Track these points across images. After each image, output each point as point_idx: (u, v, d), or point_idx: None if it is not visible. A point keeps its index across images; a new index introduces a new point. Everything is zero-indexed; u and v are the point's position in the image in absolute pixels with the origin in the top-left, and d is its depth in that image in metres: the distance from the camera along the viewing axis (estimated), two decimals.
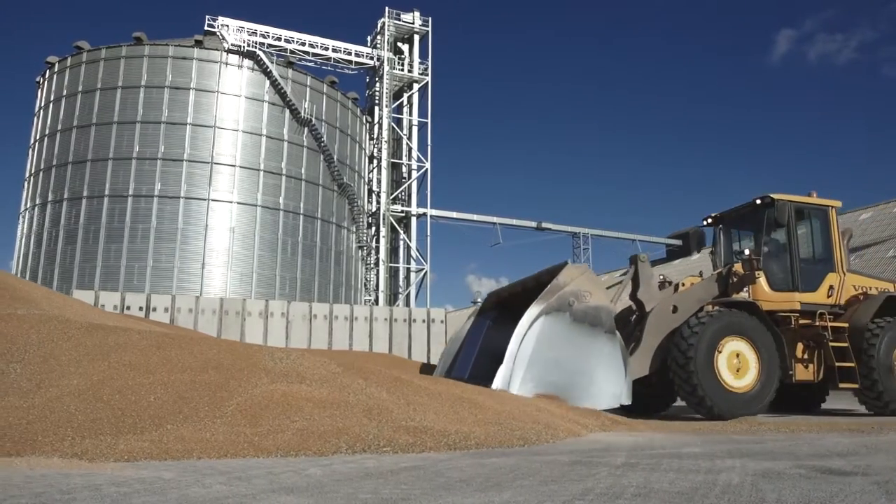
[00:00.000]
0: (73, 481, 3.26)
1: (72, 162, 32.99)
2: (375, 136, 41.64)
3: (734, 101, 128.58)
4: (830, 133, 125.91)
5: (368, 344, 24.44)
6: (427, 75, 41.98)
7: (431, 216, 40.68)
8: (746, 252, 9.70)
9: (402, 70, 41.76)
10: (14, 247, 35.22)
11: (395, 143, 42.28)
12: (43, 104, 35.57)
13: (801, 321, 9.59)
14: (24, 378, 5.37)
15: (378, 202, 40.42)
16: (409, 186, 41.62)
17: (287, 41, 37.67)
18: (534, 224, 44.49)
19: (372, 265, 39.64)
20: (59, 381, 5.33)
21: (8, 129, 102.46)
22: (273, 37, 37.19)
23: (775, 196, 9.82)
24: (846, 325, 9.62)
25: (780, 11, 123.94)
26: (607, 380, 8.38)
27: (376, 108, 41.49)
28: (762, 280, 9.70)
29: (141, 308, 22.66)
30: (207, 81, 33.80)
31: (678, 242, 49.82)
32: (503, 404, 7.05)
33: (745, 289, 9.66)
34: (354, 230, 38.85)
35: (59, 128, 33.90)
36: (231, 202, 32.97)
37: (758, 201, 10.03)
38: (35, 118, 36.23)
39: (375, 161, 41.42)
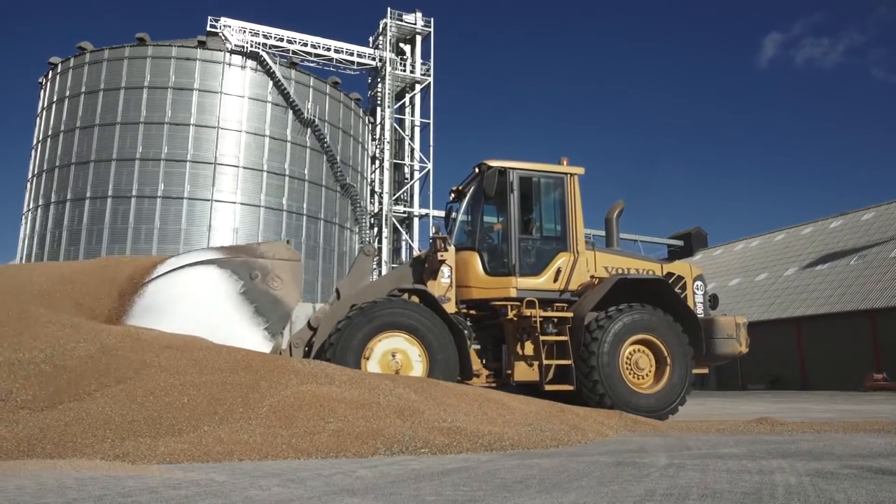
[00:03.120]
0: (126, 483, 3.23)
1: (75, 163, 32.93)
2: (378, 136, 41.63)
3: (734, 101, 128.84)
4: (830, 133, 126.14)
5: None
6: (429, 76, 42.00)
7: (433, 217, 40.66)
8: (433, 230, 8.51)
9: (405, 71, 41.76)
10: (17, 248, 35.13)
11: (398, 143, 42.28)
12: (46, 105, 35.50)
13: (522, 311, 8.01)
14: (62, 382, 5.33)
15: (380, 203, 40.41)
16: (412, 187, 41.63)
17: (289, 42, 37.65)
18: None
19: (374, 266, 39.62)
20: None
21: (10, 129, 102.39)
22: (275, 37, 37.17)
23: (491, 162, 8.33)
24: (569, 315, 8.11)
25: (767, 16, 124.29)
26: None
27: (378, 109, 41.49)
28: (476, 263, 8.25)
29: None
30: (211, 82, 33.77)
31: (680, 243, 49.88)
32: (529, 405, 7.03)
33: (447, 274, 8.10)
34: (357, 231, 38.83)
35: (62, 128, 33.84)
36: (234, 203, 32.94)
37: (476, 169, 8.57)
38: (38, 119, 36.15)
39: (378, 162, 41.41)
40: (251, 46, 34.89)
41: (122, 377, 5.33)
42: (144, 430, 4.57)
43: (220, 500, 2.84)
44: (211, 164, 32.77)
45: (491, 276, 8.27)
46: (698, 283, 9.24)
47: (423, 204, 41.15)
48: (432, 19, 42.70)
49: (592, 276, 8.48)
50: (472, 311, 8.36)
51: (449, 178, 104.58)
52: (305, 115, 35.49)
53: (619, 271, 8.63)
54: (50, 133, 34.33)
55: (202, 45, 34.36)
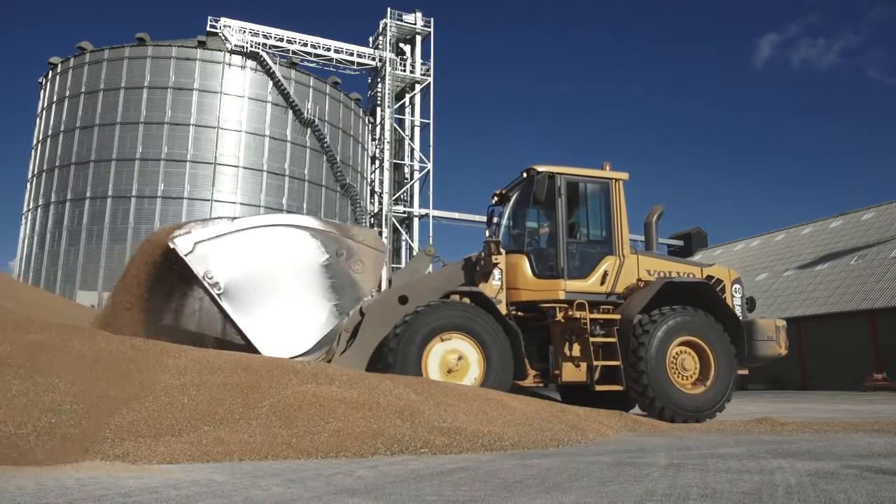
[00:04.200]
0: (127, 483, 3.23)
1: (75, 163, 32.94)
2: (377, 136, 41.64)
3: (733, 101, 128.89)
4: (830, 133, 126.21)
5: None
6: (429, 76, 42.00)
7: (434, 217, 40.68)
8: (487, 234, 8.56)
9: (404, 71, 41.77)
10: (17, 248, 35.14)
11: (398, 143, 42.29)
12: (46, 105, 35.51)
13: (569, 313, 8.14)
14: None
15: (380, 203, 40.41)
16: (412, 187, 41.62)
17: (289, 42, 37.65)
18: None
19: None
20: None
21: (10, 129, 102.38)
22: (275, 37, 37.18)
23: (540, 167, 8.46)
24: (617, 317, 8.27)
25: (763, 17, 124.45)
26: (288, 341, 7.18)
27: (378, 109, 41.50)
28: (525, 266, 8.41)
29: None
30: (210, 82, 33.78)
31: (680, 243, 49.87)
32: (529, 405, 7.03)
33: (497, 277, 8.29)
34: None
35: (62, 128, 33.85)
36: (234, 203, 32.94)
37: (524, 174, 8.66)
38: (38, 119, 36.17)
39: (378, 162, 41.42)
40: (251, 46, 34.89)
41: (122, 377, 5.33)
42: (144, 430, 4.57)
43: (220, 500, 2.84)
44: (211, 164, 32.78)
45: (539, 279, 8.41)
46: (736, 286, 9.44)
47: (423, 204, 41.15)
48: (432, 19, 42.79)
49: (638, 280, 8.63)
50: (520, 313, 8.47)
51: (449, 178, 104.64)
52: (305, 115, 35.49)
53: (661, 274, 8.77)
54: (50, 133, 34.33)
55: (202, 45, 34.37)
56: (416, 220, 40.94)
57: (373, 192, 41.56)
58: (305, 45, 38.34)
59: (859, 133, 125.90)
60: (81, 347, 5.84)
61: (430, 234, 40.47)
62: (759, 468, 3.89)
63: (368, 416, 5.32)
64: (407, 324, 7.30)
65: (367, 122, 41.82)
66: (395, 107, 41.99)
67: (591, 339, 8.09)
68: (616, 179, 8.86)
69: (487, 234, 8.78)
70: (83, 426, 4.52)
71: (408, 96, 42.44)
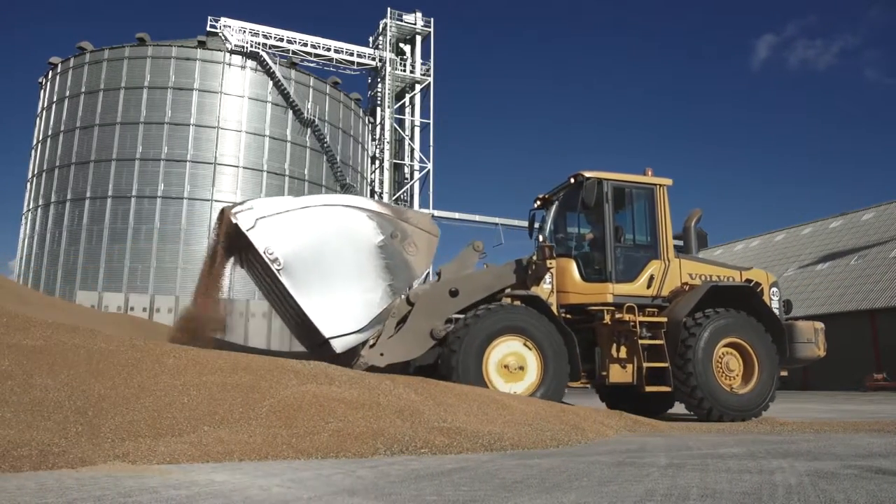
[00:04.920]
0: (126, 483, 3.23)
1: (75, 163, 32.94)
2: (378, 136, 41.65)
3: (732, 101, 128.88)
4: (830, 133, 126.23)
5: None
6: (429, 76, 42.02)
7: (434, 217, 40.65)
8: (540, 238, 8.74)
9: (404, 71, 41.78)
10: (17, 248, 35.15)
11: (398, 143, 42.30)
12: (46, 105, 35.52)
13: (617, 316, 8.35)
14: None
15: None
16: (412, 187, 41.62)
17: (289, 42, 37.66)
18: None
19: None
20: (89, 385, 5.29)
21: (10, 129, 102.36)
22: (275, 37, 37.19)
23: (588, 173, 8.66)
24: (664, 319, 8.44)
25: (760, 18, 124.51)
26: (344, 318, 7.32)
27: (378, 109, 41.51)
28: (573, 269, 8.62)
29: (144, 309, 22.67)
30: (210, 82, 33.79)
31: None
32: (529, 405, 7.03)
33: (548, 280, 8.50)
34: None
35: (62, 129, 33.86)
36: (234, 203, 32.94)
37: (572, 179, 8.86)
38: (38, 119, 36.17)
39: (378, 162, 41.43)
40: (251, 46, 34.90)
41: (122, 377, 5.33)
42: (144, 430, 4.57)
43: (220, 500, 2.84)
44: (211, 164, 32.78)
45: (587, 283, 8.60)
46: (774, 289, 9.60)
47: (423, 204, 41.13)
48: (432, 19, 42.82)
49: (683, 283, 8.82)
50: (568, 316, 8.62)
51: (450, 178, 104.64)
52: (305, 115, 35.50)
53: (703, 278, 8.97)
54: (50, 133, 34.33)
55: (202, 45, 34.37)
56: None
57: (373, 192, 41.55)
58: (305, 45, 38.35)
59: (859, 133, 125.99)
60: (81, 348, 5.84)
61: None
62: (759, 468, 3.89)
63: (368, 416, 5.32)
64: (468, 326, 7.49)
65: (367, 122, 41.82)
66: (395, 107, 41.99)
67: (641, 342, 8.26)
68: (660, 185, 9.06)
69: (540, 238, 8.94)
70: (83, 426, 4.52)
71: (408, 96, 42.44)
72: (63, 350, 5.72)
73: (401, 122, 42.51)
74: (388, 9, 41.21)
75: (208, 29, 35.63)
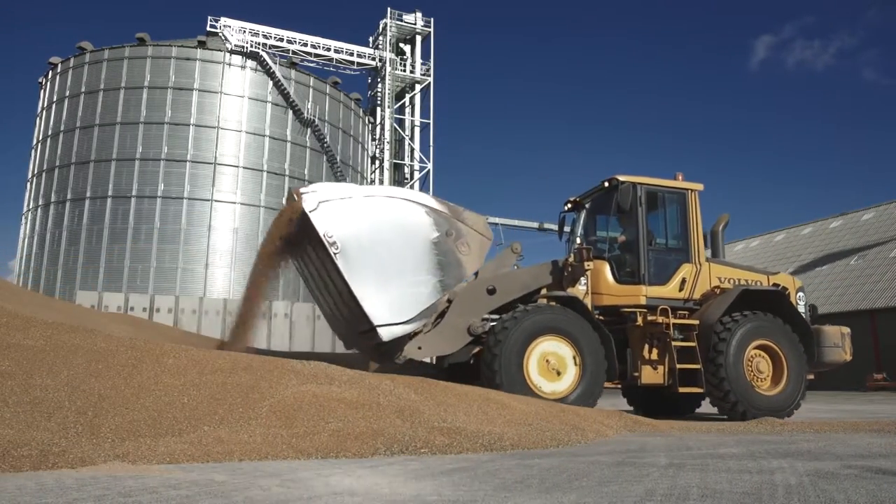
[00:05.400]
0: (126, 483, 3.23)
1: (74, 163, 32.94)
2: (378, 136, 41.64)
3: (732, 101, 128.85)
4: (830, 134, 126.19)
5: None
6: (429, 76, 42.01)
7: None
8: (578, 241, 8.95)
9: (404, 71, 41.77)
10: (16, 248, 35.15)
11: (398, 143, 42.29)
12: (46, 105, 35.51)
13: (650, 318, 8.53)
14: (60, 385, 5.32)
15: None
16: (412, 187, 41.60)
17: (289, 42, 37.66)
18: (536, 225, 44.42)
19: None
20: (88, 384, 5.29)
21: (10, 129, 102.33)
22: (275, 37, 37.18)
23: (622, 177, 8.86)
24: (696, 322, 8.62)
25: (758, 19, 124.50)
26: (393, 308, 7.39)
27: (378, 109, 41.50)
28: (607, 271, 8.81)
29: (144, 309, 22.64)
30: (210, 82, 33.78)
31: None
32: (529, 405, 7.03)
33: (583, 281, 8.70)
34: None
35: (62, 128, 33.85)
36: (234, 203, 32.94)
37: (606, 184, 9.05)
38: (38, 119, 36.17)
39: (378, 162, 41.42)
40: (251, 46, 34.89)
41: (122, 377, 5.33)
42: (144, 430, 4.57)
43: (220, 500, 2.84)
44: (211, 164, 32.77)
45: (621, 285, 8.77)
46: (800, 293, 9.78)
47: None
48: (432, 19, 42.79)
49: (715, 287, 9.01)
50: (601, 317, 8.73)
51: (449, 178, 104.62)
52: (305, 115, 35.49)
53: (732, 281, 9.15)
54: (50, 133, 34.32)
55: (202, 45, 34.36)
56: None
57: None
58: (305, 45, 38.34)
59: (859, 133, 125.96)
60: (81, 348, 5.84)
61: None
62: (759, 468, 3.89)
63: (368, 416, 5.32)
64: (509, 325, 7.65)
65: (367, 122, 41.81)
66: (395, 107, 41.98)
67: (674, 344, 8.41)
68: (692, 190, 9.27)
69: (577, 241, 9.14)
70: (83, 426, 4.52)
71: (408, 96, 42.44)
72: (63, 350, 5.72)
73: (401, 122, 42.51)
74: (388, 9, 41.25)
75: (208, 29, 35.62)
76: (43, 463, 3.70)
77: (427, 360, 9.04)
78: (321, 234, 7.12)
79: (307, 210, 7.12)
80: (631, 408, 10.68)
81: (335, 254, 7.13)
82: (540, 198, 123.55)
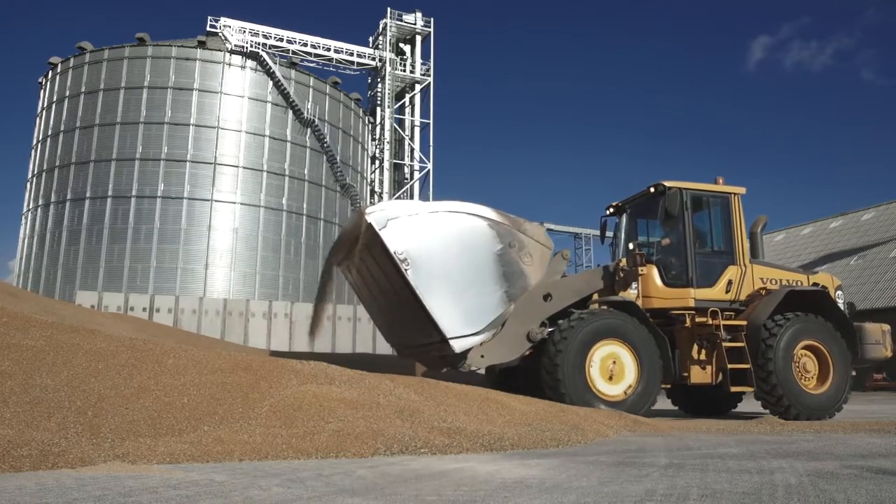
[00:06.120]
0: (126, 483, 3.23)
1: (75, 163, 32.92)
2: (377, 136, 41.62)
3: (731, 101, 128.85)
4: (830, 133, 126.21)
5: (372, 345, 24.42)
6: (429, 76, 41.99)
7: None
8: (631, 246, 9.04)
9: (404, 71, 41.76)
10: (17, 247, 35.14)
11: (398, 143, 42.26)
12: (45, 105, 35.50)
13: (698, 319, 8.82)
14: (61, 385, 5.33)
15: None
16: (412, 187, 41.59)
17: (289, 42, 37.64)
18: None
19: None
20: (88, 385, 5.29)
21: (10, 129, 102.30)
22: (275, 37, 37.16)
23: (668, 183, 9.09)
24: (744, 323, 8.85)
25: (755, 20, 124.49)
26: (464, 320, 7.61)
27: (378, 109, 41.48)
28: (655, 275, 9.02)
29: (144, 309, 22.63)
30: (210, 82, 33.76)
31: None
32: (529, 405, 7.03)
33: (634, 285, 8.93)
34: None
35: (62, 128, 33.83)
36: (234, 203, 32.92)
37: (652, 189, 9.30)
38: (38, 119, 36.15)
39: (378, 162, 41.40)
40: (251, 46, 34.87)
41: (122, 377, 5.33)
42: (144, 430, 4.57)
43: (220, 500, 2.83)
44: (211, 164, 32.76)
45: (669, 288, 9.00)
46: (839, 292, 9.99)
47: None
48: (432, 19, 42.74)
49: (760, 288, 9.25)
50: (650, 320, 8.97)
51: (449, 178, 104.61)
52: (305, 115, 35.47)
53: (774, 282, 9.38)
54: (50, 133, 34.31)
55: (202, 45, 34.34)
56: None
57: (373, 192, 41.52)
58: (305, 45, 38.32)
59: (858, 133, 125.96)
60: (81, 348, 5.84)
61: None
62: (759, 468, 3.89)
63: (368, 416, 5.32)
64: (567, 334, 7.86)
65: (367, 122, 41.79)
66: (395, 107, 41.96)
67: (725, 345, 8.62)
68: (735, 194, 9.49)
69: (631, 246, 9.26)
70: (83, 426, 4.52)
71: (408, 96, 42.42)
72: (63, 350, 5.73)
73: (401, 122, 42.48)
74: (388, 9, 41.22)
75: (208, 29, 35.61)
76: (43, 463, 3.70)
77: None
78: (391, 251, 7.28)
79: (377, 228, 7.29)
80: (676, 407, 11.12)
81: (406, 269, 7.31)
82: (540, 198, 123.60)
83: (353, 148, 39.42)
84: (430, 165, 41.40)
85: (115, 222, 31.73)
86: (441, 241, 7.64)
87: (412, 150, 41.98)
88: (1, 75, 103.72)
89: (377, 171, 41.40)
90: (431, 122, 42.10)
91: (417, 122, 42.37)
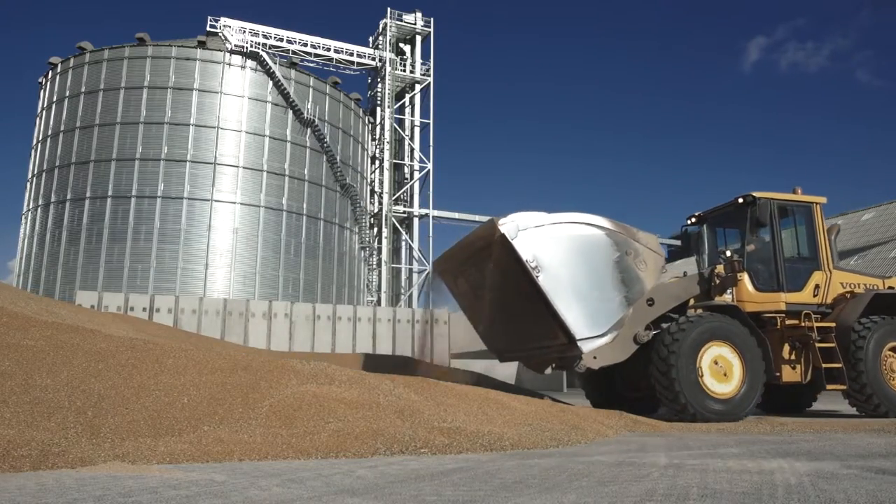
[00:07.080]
0: (126, 483, 3.23)
1: (74, 163, 32.89)
2: (377, 136, 41.60)
3: (730, 102, 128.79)
4: (830, 133, 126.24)
5: (372, 345, 24.41)
6: (429, 76, 41.96)
7: (433, 217, 40.62)
8: (728, 253, 9.47)
9: (404, 71, 41.73)
10: (17, 248, 35.13)
11: (398, 143, 42.24)
12: (46, 105, 35.47)
13: (788, 322, 9.35)
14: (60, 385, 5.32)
15: (380, 203, 40.38)
16: (412, 187, 41.57)
17: (289, 42, 37.61)
18: None
19: (374, 266, 39.59)
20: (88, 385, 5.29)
21: (10, 129, 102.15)
22: (275, 37, 37.13)
23: (758, 194, 9.60)
24: (833, 324, 9.36)
25: (751, 21, 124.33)
26: (590, 322, 8.04)
27: (378, 109, 41.46)
28: (746, 281, 9.49)
29: (144, 309, 22.61)
30: (210, 82, 33.73)
31: (678, 243, 49.80)
32: (529, 405, 7.04)
33: (729, 290, 9.45)
34: (357, 231, 38.78)
35: (62, 128, 33.79)
36: (234, 203, 32.89)
37: (740, 200, 9.81)
38: (38, 119, 36.12)
39: (377, 162, 41.38)
40: (251, 46, 34.84)
41: (122, 377, 5.32)
42: (144, 430, 4.57)
43: (220, 500, 2.83)
44: (211, 164, 32.73)
45: (761, 293, 9.50)
46: None
47: (423, 204, 41.07)
48: (432, 19, 42.66)
49: (845, 292, 9.81)
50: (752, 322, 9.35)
51: (449, 178, 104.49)
52: (305, 115, 35.45)
53: (854, 286, 9.95)
54: (50, 133, 34.28)
55: (202, 45, 34.31)
56: (415, 220, 40.87)
57: (373, 192, 41.49)
58: (305, 45, 38.28)
59: (856, 133, 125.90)
60: (81, 348, 5.84)
61: (430, 234, 40.39)
62: (759, 468, 3.89)
63: (368, 416, 5.33)
64: (678, 337, 8.31)
65: (367, 122, 41.76)
66: (395, 107, 41.91)
67: (818, 345, 9.10)
68: (816, 203, 10.09)
69: (725, 253, 9.67)
70: (83, 426, 4.52)
71: (408, 96, 42.38)
72: (63, 350, 5.72)
73: (401, 122, 42.43)
74: (388, 9, 41.15)
75: (208, 29, 35.57)
76: (43, 463, 3.70)
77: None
78: (524, 260, 7.71)
79: (509, 238, 7.71)
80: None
81: (537, 276, 7.74)
82: (540, 198, 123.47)
83: (353, 148, 39.40)
84: (430, 165, 41.38)
85: (115, 222, 31.71)
86: (565, 250, 8.11)
87: (412, 150, 41.94)
88: (1, 75, 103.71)
89: (377, 171, 41.36)
90: (431, 122, 42.07)
91: (417, 122, 42.33)
